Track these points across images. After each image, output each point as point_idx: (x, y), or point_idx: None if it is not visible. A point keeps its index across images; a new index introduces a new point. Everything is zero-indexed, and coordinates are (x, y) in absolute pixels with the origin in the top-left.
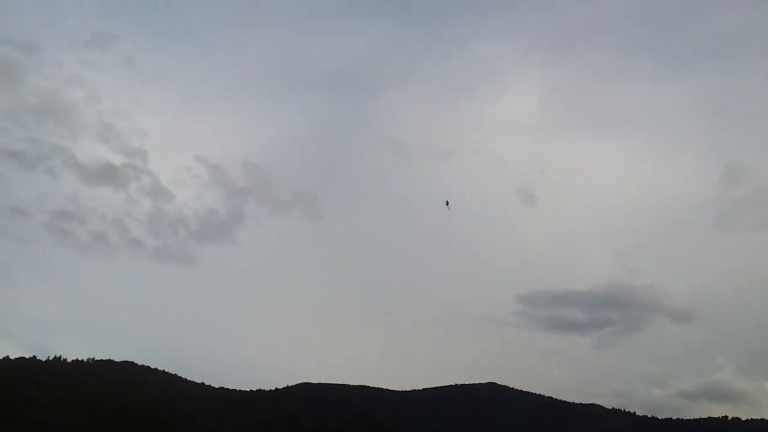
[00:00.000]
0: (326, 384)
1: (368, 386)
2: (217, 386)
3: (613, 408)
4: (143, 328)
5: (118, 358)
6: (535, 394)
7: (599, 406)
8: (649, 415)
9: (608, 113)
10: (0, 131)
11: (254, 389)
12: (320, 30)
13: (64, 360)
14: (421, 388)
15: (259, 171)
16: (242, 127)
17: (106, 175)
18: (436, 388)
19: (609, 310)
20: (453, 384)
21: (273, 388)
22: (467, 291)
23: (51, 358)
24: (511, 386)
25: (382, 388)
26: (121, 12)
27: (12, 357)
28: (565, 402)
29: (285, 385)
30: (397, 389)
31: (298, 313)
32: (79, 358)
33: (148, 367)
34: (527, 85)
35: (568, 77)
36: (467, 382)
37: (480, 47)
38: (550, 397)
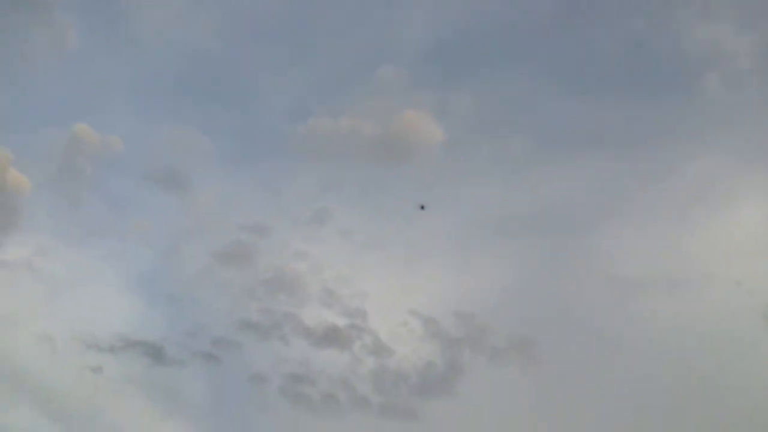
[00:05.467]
0: None
1: None
2: None
3: None
4: None
5: None
6: None
7: None
8: None
9: None
10: (240, 306)
11: None
12: (521, 177)
13: None
14: None
15: (472, 320)
16: (453, 278)
17: (331, 336)
18: None
19: None
20: None
21: None
22: (721, 428)
23: None
24: None
25: None
26: (334, 190)
27: None
28: None
29: None
30: None
31: None
32: None
33: None
34: (758, 198)
35: None
36: None
37: (696, 165)
38: None
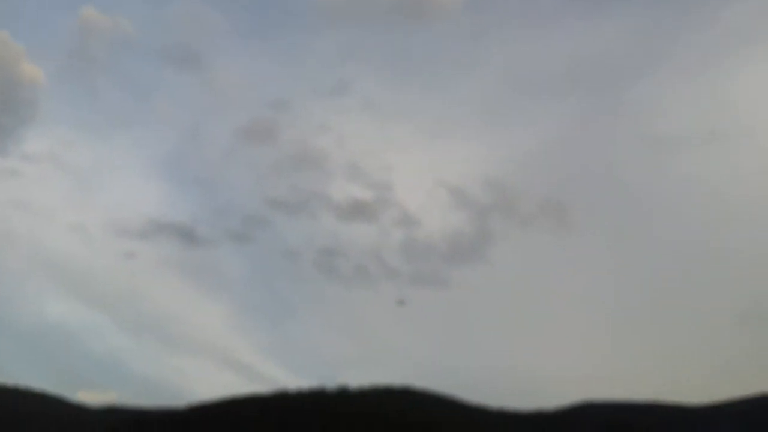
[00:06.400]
0: (610, 402)
1: (658, 403)
2: (494, 407)
3: None
4: (413, 352)
5: (395, 384)
6: None
7: None
8: None
9: None
10: (266, 184)
11: (533, 409)
12: (550, 32)
13: (349, 389)
14: (722, 401)
15: (502, 187)
16: (481, 144)
17: (359, 210)
18: (739, 400)
19: None
20: (759, 393)
21: (553, 408)
22: (758, 288)
23: (336, 388)
24: None
25: (674, 404)
26: (354, 58)
27: (304, 388)
28: None
29: (564, 404)
30: (691, 403)
31: (564, 326)
32: (362, 386)
33: (426, 391)
34: None
35: None
36: None
37: (733, 11)
38: None
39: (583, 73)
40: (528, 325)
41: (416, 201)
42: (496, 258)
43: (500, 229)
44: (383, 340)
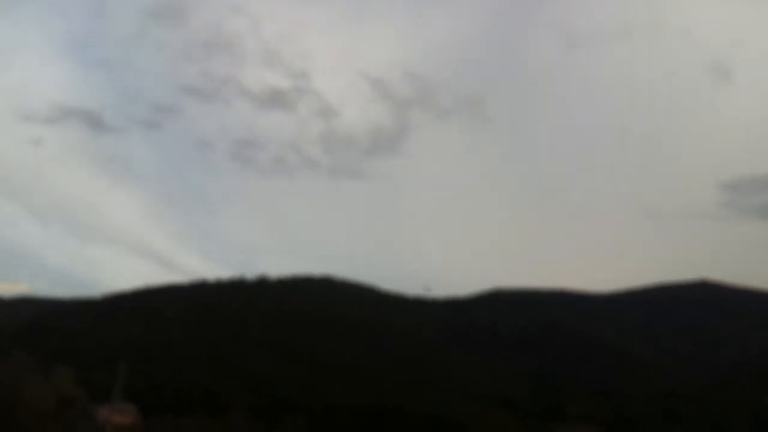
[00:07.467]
0: (519, 289)
1: (564, 290)
2: (411, 295)
3: None
4: (332, 242)
5: (314, 273)
6: (755, 290)
7: None
8: None
9: None
10: (177, 69)
11: (446, 296)
12: None
13: (269, 278)
14: (622, 289)
15: (422, 80)
16: (402, 37)
17: (276, 99)
18: (639, 289)
19: None
20: (657, 283)
21: (465, 295)
22: (661, 183)
23: (257, 277)
24: (725, 283)
25: (579, 292)
26: None
27: (223, 278)
28: None
29: (475, 291)
30: (594, 291)
31: (477, 217)
32: (282, 276)
33: (345, 280)
34: None
35: None
36: (673, 281)
37: None
38: None
39: None
40: (443, 215)
41: (336, 91)
42: (414, 150)
43: (419, 122)
44: (303, 231)
